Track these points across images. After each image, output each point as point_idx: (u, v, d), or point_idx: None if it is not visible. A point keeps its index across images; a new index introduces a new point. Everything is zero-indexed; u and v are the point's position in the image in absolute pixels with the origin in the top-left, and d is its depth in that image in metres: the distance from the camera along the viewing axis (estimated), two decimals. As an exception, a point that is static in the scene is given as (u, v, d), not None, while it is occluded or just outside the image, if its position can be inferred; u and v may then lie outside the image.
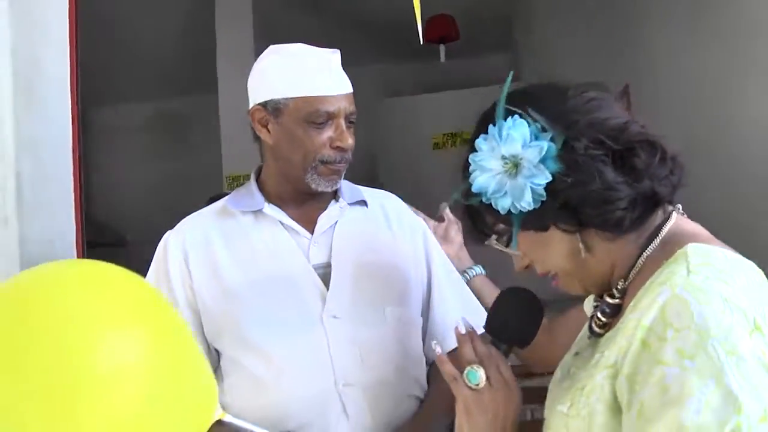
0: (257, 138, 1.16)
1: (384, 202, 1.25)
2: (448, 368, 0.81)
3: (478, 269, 1.29)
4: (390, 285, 1.15)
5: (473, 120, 0.80)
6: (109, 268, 0.78)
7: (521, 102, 0.72)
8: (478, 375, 0.78)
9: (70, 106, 1.29)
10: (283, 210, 1.15)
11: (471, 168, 0.73)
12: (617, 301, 0.74)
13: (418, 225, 1.25)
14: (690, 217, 0.77)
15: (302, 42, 1.14)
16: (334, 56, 1.11)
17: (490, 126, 0.72)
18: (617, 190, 0.69)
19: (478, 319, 0.94)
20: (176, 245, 1.14)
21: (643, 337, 0.62)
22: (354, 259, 1.13)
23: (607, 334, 0.73)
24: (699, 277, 0.63)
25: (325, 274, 1.11)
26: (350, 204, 1.18)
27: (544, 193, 0.70)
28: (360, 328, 1.08)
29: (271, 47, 1.14)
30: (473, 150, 0.73)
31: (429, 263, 1.21)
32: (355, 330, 1.08)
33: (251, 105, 1.13)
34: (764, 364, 0.59)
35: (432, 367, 1.15)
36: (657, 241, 0.72)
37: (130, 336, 0.68)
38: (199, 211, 1.22)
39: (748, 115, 2.03)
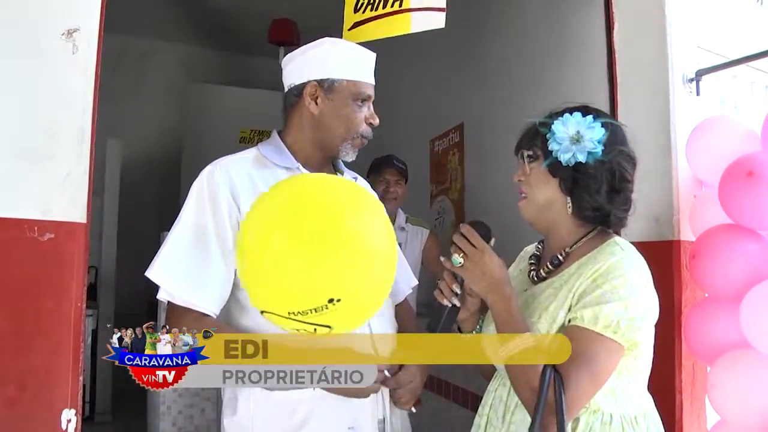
0: (288, 108, 1.39)
1: (358, 179, 1.54)
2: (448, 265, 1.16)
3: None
4: None
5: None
6: (346, 180, 1.34)
7: (595, 110, 1.17)
8: (457, 259, 1.13)
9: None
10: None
11: (558, 122, 1.13)
12: (562, 259, 1.20)
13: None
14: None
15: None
16: (372, 55, 1.39)
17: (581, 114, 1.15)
18: (602, 198, 1.14)
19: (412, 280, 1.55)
20: (223, 179, 1.28)
21: (594, 278, 1.11)
22: None
23: (551, 280, 1.18)
24: (626, 253, 1.14)
25: None
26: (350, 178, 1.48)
27: (573, 164, 1.13)
28: None
29: (327, 39, 1.36)
30: (564, 116, 1.15)
31: None
32: None
33: (300, 81, 1.35)
34: (648, 296, 1.12)
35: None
36: (593, 233, 1.20)
37: (372, 214, 1.15)
38: (233, 155, 1.37)
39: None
